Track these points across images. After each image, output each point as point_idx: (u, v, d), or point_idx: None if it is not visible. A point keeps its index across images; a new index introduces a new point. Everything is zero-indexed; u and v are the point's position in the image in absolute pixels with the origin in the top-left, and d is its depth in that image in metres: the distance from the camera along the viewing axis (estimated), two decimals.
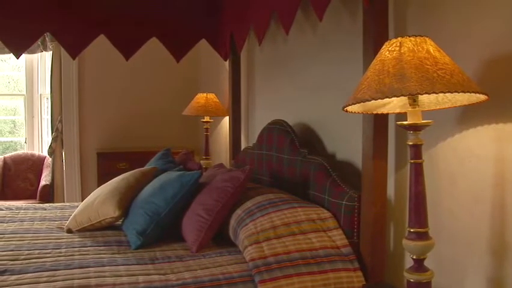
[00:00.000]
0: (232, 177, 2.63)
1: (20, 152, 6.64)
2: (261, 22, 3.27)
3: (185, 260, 2.41)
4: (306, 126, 3.14)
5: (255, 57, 4.07)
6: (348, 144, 2.68)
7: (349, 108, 1.80)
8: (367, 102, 1.68)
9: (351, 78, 2.49)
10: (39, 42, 5.68)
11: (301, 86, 3.22)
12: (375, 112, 1.90)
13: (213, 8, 4.21)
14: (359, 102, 1.64)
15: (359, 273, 2.18)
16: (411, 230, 1.73)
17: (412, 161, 1.73)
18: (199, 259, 2.41)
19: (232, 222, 2.54)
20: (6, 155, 6.43)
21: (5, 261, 2.39)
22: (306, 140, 3.04)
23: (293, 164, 2.89)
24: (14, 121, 7.61)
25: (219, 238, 2.65)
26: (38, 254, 2.53)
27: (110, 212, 2.91)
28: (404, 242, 1.75)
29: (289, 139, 2.99)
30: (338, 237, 2.31)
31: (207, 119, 4.64)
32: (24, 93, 6.92)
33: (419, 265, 1.75)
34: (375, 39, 2.11)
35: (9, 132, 7.60)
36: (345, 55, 2.69)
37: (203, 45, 4.35)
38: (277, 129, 3.14)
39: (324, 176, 2.58)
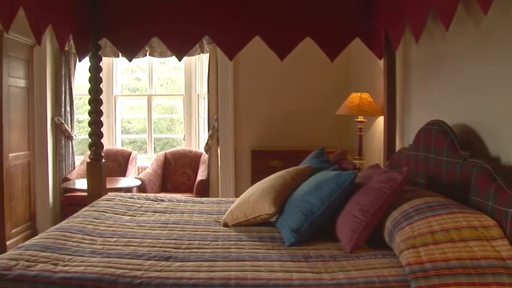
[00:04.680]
0: (389, 179, 2.57)
1: (179, 148, 7.07)
2: (418, 19, 3.16)
3: (339, 260, 2.40)
4: (467, 127, 2.97)
5: (411, 56, 3.93)
6: None
7: None
8: None
9: None
10: (197, 45, 5.98)
11: (462, 85, 3.05)
12: None
13: (367, 6, 4.15)
14: None
15: None
16: None
17: None
18: (353, 260, 2.39)
19: (388, 224, 2.48)
20: (167, 151, 6.88)
21: (169, 249, 2.59)
22: (467, 141, 2.87)
23: (452, 166, 2.76)
24: (171, 119, 8.11)
25: (372, 240, 2.60)
26: (198, 244, 2.69)
27: (266, 208, 3.00)
28: None
29: (448, 140, 2.85)
30: (504, 248, 2.12)
31: (360, 118, 4.58)
32: (183, 93, 7.34)
33: None
34: None
35: (167, 129, 8.11)
36: None
37: (355, 43, 4.31)
38: (435, 130, 3.02)
39: (488, 180, 2.41)
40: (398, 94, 4.10)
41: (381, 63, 4.28)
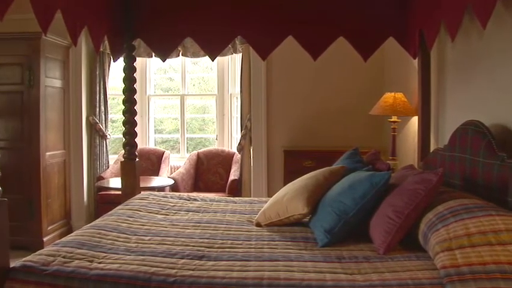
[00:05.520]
0: (423, 180, 2.53)
1: (211, 148, 7.10)
2: (454, 17, 3.10)
3: (373, 261, 2.38)
4: (504, 127, 2.90)
5: (446, 55, 3.87)
6: None
7: None
8: None
9: None
10: (230, 44, 6.01)
11: (500, 84, 2.98)
12: None
13: (401, 5, 4.10)
14: None
15: None
16: None
17: None
18: (387, 261, 2.37)
19: (422, 226, 2.44)
20: (200, 151, 6.91)
21: (203, 248, 2.61)
22: (504, 142, 2.80)
23: (489, 168, 2.70)
24: (203, 119, 8.15)
25: (406, 241, 2.56)
26: (231, 244, 2.71)
27: (299, 208, 2.99)
28: None
29: (485, 141, 2.79)
30: None
31: (394, 118, 4.53)
32: (216, 93, 7.36)
33: None
34: None
35: (199, 129, 8.15)
36: None
37: (389, 42, 4.26)
38: (471, 131, 2.96)
39: None
40: (432, 94, 4.04)
41: (415, 62, 4.22)
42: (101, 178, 6.30)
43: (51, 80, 5.62)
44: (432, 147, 3.97)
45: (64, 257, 2.37)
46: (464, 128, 3.09)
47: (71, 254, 2.42)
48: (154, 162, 6.85)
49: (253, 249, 2.60)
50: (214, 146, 7.23)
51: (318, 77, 5.82)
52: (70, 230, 5.81)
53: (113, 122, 7.46)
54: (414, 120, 4.46)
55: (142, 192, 4.29)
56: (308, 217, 3.08)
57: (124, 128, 4.49)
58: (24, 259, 2.32)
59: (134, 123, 4.48)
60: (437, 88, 4.01)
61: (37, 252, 2.45)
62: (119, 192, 4.60)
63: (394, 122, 4.58)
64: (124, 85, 4.43)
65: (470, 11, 2.94)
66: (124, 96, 4.44)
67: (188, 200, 3.95)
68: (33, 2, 2.76)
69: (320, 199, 3.02)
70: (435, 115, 4.03)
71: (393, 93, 4.49)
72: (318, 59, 4.22)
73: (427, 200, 2.50)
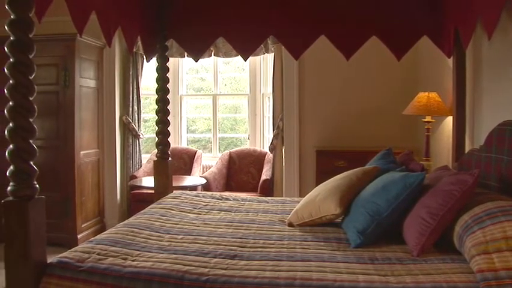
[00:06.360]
0: (459, 181, 2.48)
1: (243, 147, 7.11)
2: (491, 13, 3.02)
3: (406, 263, 2.35)
4: None
5: (482, 53, 3.79)
6: None
7: None
8: None
9: None
10: (262, 44, 6.01)
11: None
12: None
13: (435, 2, 4.03)
14: None
15: None
16: None
17: None
18: (421, 264, 2.33)
19: (457, 228, 2.39)
20: (232, 150, 6.93)
21: (235, 247, 2.62)
22: None
23: None
24: (235, 118, 8.17)
25: (440, 243, 2.52)
26: (263, 243, 2.71)
27: (332, 209, 2.98)
28: None
29: None
30: None
31: (428, 118, 4.47)
32: (248, 92, 7.37)
33: None
34: None
35: (230, 129, 8.17)
36: None
37: (422, 41, 4.20)
38: (509, 131, 2.88)
39: None
40: (468, 93, 3.96)
41: (450, 61, 4.16)
42: (134, 177, 6.37)
43: (85, 80, 5.72)
44: (467, 148, 3.89)
45: (98, 254, 2.41)
46: (501, 129, 3.02)
47: (105, 252, 2.46)
48: (186, 161, 6.90)
49: (285, 249, 2.60)
50: (246, 146, 7.24)
51: (350, 77, 5.78)
52: (103, 228, 5.90)
53: (145, 121, 7.54)
54: (449, 120, 4.38)
55: (174, 191, 4.32)
56: (341, 217, 3.06)
57: (157, 128, 4.53)
58: (60, 255, 2.37)
59: (167, 123, 4.53)
60: (473, 87, 3.93)
61: (73, 249, 2.50)
62: (152, 191, 4.65)
63: (428, 122, 4.51)
64: (157, 85, 4.47)
65: (508, 7, 2.88)
66: (157, 96, 4.48)
67: (221, 200, 3.97)
68: (70, 4, 2.81)
69: (353, 199, 3.00)
70: (470, 115, 3.95)
71: (427, 93, 4.43)
72: (351, 58, 4.19)
73: (462, 201, 2.45)
